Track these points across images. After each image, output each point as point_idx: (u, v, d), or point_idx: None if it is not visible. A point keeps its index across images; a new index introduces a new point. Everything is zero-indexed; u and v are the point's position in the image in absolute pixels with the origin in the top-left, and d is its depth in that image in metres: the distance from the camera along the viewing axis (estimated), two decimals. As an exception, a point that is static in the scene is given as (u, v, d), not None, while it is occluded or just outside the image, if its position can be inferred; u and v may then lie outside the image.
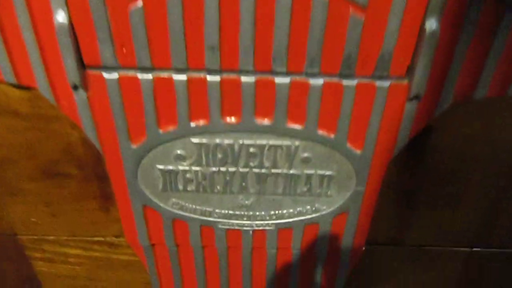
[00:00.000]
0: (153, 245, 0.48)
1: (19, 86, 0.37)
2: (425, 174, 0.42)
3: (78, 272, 0.53)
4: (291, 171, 0.40)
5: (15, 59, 0.35)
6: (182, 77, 0.34)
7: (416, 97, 0.34)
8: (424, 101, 0.35)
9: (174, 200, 0.43)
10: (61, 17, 0.31)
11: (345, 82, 0.34)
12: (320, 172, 0.40)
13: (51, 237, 0.49)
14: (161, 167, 0.40)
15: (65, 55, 0.33)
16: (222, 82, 0.34)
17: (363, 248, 0.47)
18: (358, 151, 0.38)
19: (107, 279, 0.54)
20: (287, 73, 0.34)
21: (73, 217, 0.47)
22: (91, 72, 0.34)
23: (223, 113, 0.36)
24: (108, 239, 0.49)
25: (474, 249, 0.47)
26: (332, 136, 0.37)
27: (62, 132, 0.40)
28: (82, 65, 0.34)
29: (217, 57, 0.33)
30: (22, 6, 0.32)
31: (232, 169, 0.40)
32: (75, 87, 0.35)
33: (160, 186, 0.42)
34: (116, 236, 0.49)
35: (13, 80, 0.36)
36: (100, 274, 0.53)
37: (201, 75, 0.34)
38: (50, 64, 0.35)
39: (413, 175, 0.42)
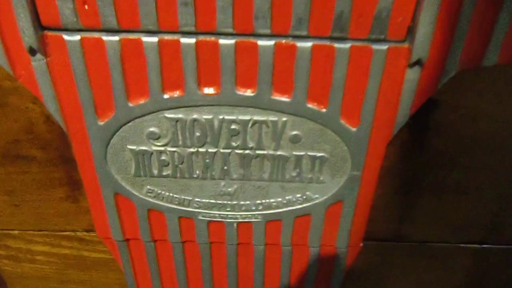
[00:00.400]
0: (127, 240, 0.43)
1: (-30, 53, 0.33)
2: (429, 158, 0.37)
3: (47, 273, 0.48)
4: (279, 152, 0.36)
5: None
6: (153, 39, 0.30)
7: (418, 62, 0.30)
8: (427, 68, 0.31)
9: (148, 187, 0.39)
10: (12, -33, 0.28)
11: (337, 45, 0.30)
12: (311, 153, 0.36)
13: (15, 232, 0.44)
14: (132, 147, 0.36)
15: (19, 14, 0.29)
16: (197, 45, 0.30)
17: (361, 244, 0.42)
18: (353, 129, 0.34)
19: (78, 281, 0.49)
20: (271, 35, 0.30)
21: (38, 208, 0.42)
22: (49, 33, 0.30)
23: (200, 82, 0.32)
24: (78, 233, 0.45)
25: (484, 245, 0.42)
26: (324, 110, 0.33)
27: (21, 108, 0.36)
28: (39, 25, 0.30)
29: (191, 15, 0.29)
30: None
31: (212, 149, 0.36)
32: (32, 52, 0.31)
33: (133, 170, 0.38)
34: (87, 231, 0.44)
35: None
36: (71, 274, 0.48)
37: (174, 37, 0.30)
38: (4, 26, 0.31)
39: (415, 159, 0.38)
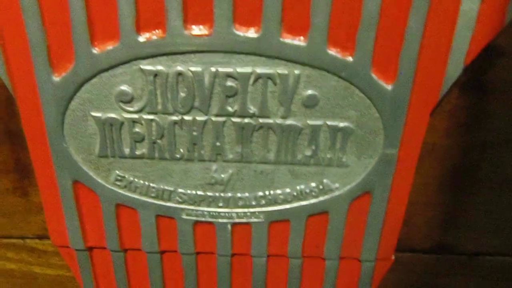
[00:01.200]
0: (89, 249, 0.34)
1: None
2: (487, 135, 0.28)
3: (-13, 296, 0.37)
4: (288, 121, 0.27)
5: None
6: (125, -45, 0.23)
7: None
8: (488, -4, 0.23)
9: (117, 172, 0.30)
10: None
11: (369, -36, 0.23)
12: (331, 123, 0.27)
13: None
14: (97, 114, 0.28)
15: None
16: (184, -36, 0.23)
17: (393, 257, 0.32)
18: (388, 86, 0.26)
19: (26, 307, 0.38)
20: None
21: (-24, 203, 0.33)
22: None
23: (187, 18, 0.24)
24: (28, 241, 0.35)
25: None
26: (350, 58, 0.25)
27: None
28: None
29: None
30: None
31: (201, 117, 0.27)
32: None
33: (97, 148, 0.29)
34: (40, 237, 0.35)
35: None
36: (17, 298, 0.37)
37: (154, -47, 0.23)
38: None
39: (467, 137, 0.29)
